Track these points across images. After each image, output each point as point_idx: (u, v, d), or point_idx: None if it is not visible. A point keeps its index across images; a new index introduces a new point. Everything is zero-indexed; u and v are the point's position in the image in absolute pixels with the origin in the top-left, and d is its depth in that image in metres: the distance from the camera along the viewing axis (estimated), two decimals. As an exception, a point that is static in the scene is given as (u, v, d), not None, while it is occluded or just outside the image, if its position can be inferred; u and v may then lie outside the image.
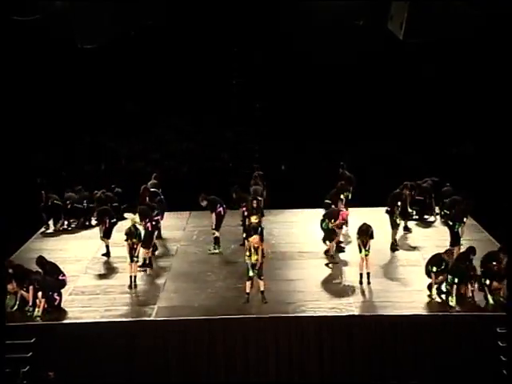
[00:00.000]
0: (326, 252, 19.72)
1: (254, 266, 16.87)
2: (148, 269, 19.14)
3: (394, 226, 20.14)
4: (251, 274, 16.94)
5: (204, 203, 20.27)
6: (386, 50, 25.34)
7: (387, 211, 20.29)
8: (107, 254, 20.22)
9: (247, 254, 17.02)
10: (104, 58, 25.69)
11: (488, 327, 16.11)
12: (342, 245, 20.22)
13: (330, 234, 19.43)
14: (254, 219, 18.43)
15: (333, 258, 19.47)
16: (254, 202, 20.00)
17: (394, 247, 20.14)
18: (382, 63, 28.46)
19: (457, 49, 26.07)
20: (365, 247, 17.79)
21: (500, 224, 21.18)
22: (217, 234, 20.42)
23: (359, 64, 28.89)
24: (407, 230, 21.52)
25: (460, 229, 19.25)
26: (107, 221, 20.26)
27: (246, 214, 20.11)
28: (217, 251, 20.41)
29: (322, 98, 29.26)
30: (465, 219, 19.44)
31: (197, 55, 28.42)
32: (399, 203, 20.20)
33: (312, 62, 28.80)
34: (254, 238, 17.12)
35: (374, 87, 29.16)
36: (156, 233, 19.81)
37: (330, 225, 19.24)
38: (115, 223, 20.58)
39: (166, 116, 30.06)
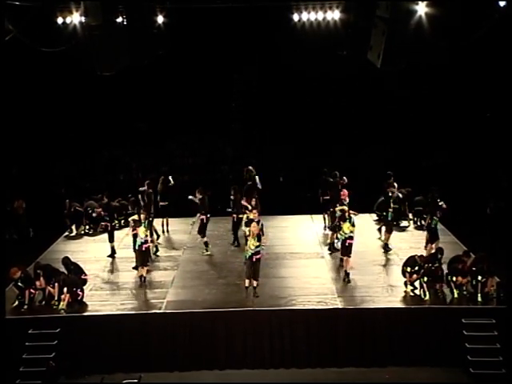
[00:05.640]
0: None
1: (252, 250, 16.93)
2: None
3: (389, 228, 20.08)
4: (248, 255, 16.96)
5: (198, 197, 19.79)
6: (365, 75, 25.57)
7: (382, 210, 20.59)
8: (112, 255, 20.04)
9: (248, 239, 17.09)
10: (120, 84, 25.89)
11: (454, 318, 16.25)
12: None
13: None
14: (252, 214, 18.19)
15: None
16: (253, 200, 19.79)
17: (388, 248, 20.04)
18: (361, 86, 28.79)
19: (427, 73, 26.50)
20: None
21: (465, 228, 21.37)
22: (205, 238, 20.20)
23: (341, 87, 29.25)
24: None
25: (437, 225, 19.07)
26: (108, 226, 20.22)
27: (235, 220, 20.24)
28: (208, 252, 20.25)
29: (305, 117, 29.61)
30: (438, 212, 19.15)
31: (201, 81, 28.69)
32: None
33: (301, 86, 29.18)
34: (254, 225, 17.10)
35: (350, 107, 29.50)
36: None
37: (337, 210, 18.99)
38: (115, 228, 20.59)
39: (173, 134, 30.25)
